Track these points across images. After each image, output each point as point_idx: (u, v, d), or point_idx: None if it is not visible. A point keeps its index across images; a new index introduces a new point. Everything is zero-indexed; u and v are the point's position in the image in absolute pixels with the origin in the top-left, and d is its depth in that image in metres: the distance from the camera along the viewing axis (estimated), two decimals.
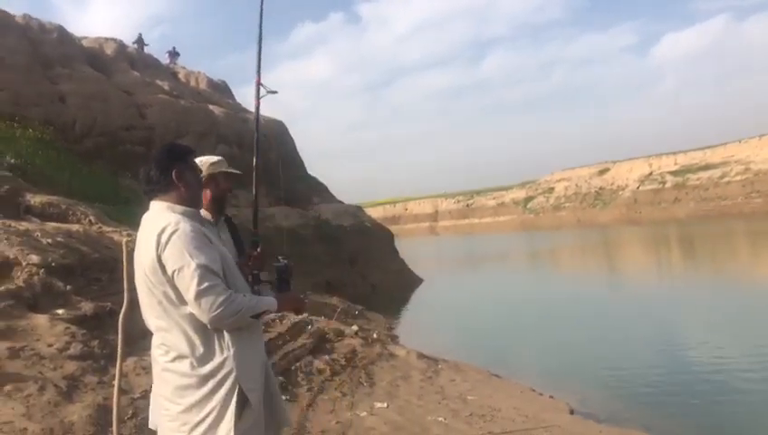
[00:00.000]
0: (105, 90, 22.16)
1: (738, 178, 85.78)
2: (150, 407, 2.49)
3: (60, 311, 5.87)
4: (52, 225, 8.55)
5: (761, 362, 9.61)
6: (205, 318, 2.19)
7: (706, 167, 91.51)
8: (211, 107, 26.13)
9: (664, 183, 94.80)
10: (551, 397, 7.66)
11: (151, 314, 2.33)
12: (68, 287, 6.48)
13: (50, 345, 5.12)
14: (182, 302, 2.23)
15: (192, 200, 2.43)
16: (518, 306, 17.97)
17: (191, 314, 2.23)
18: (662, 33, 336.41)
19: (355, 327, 10.13)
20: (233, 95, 32.08)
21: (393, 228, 35.14)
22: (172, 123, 23.13)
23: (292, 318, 8.45)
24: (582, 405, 7.49)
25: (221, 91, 31.14)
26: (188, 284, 2.18)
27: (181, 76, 29.97)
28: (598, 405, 7.65)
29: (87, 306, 6.16)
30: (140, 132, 22.00)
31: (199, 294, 2.17)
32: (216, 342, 2.26)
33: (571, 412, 7.01)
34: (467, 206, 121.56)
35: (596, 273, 27.32)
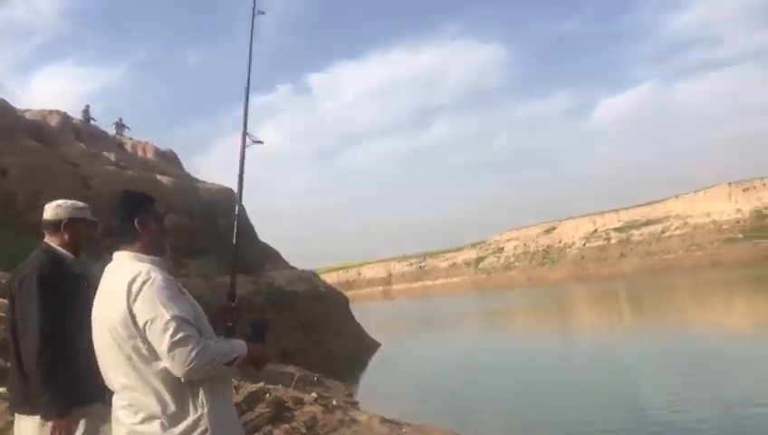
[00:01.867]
0: (49, 162, 21.71)
1: (678, 232, 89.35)
2: None
3: (1, 389, 5.52)
4: None
5: (719, 408, 9.77)
6: (179, 371, 2.08)
7: (648, 223, 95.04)
8: (159, 177, 25.84)
9: (609, 239, 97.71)
10: None
11: (117, 372, 2.19)
12: (8, 364, 6.13)
13: None
14: (154, 357, 2.11)
15: (157, 248, 2.36)
16: (476, 367, 17.86)
17: (164, 370, 2.11)
18: (599, 97, 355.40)
19: (314, 394, 9.85)
20: (181, 165, 31.88)
21: (347, 294, 34.82)
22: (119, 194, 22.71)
23: (249, 388, 8.17)
24: None
25: (169, 160, 30.92)
26: (161, 336, 2.07)
27: (128, 147, 29.69)
28: None
29: None
30: (86, 204, 21.52)
31: (173, 346, 2.06)
32: (190, 399, 2.14)
33: None
34: (420, 268, 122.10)
35: (550, 331, 27.54)
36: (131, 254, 2.30)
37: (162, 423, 2.11)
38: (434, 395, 13.64)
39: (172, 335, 2.07)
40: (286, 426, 7.24)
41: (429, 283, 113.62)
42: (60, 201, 3.30)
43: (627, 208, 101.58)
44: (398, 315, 52.05)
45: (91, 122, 28.74)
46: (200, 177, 30.56)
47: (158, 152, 30.45)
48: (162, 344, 2.07)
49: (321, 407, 8.56)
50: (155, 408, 2.11)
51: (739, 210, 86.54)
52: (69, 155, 23.41)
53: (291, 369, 15.59)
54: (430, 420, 9.77)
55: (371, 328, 27.95)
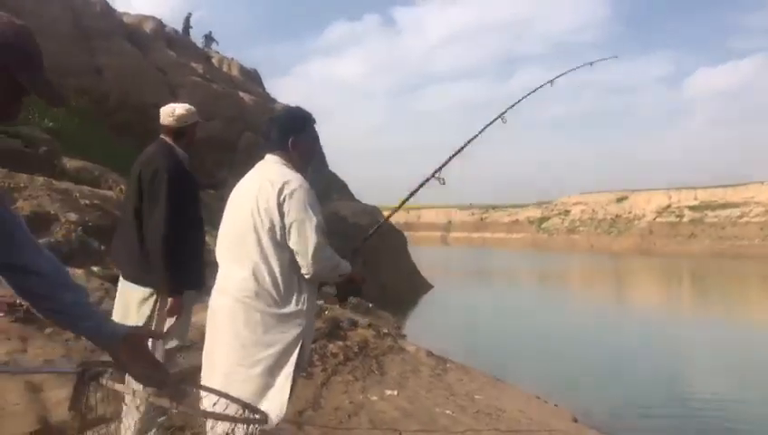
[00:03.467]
0: (140, 66, 22.54)
1: (757, 219, 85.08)
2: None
3: (95, 268, 6.11)
4: (87, 188, 8.82)
5: (751, 390, 9.69)
6: (310, 268, 2.50)
7: (725, 205, 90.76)
8: (241, 94, 26.47)
9: (681, 217, 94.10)
10: (555, 405, 7.79)
11: (245, 245, 2.54)
12: (102, 247, 6.73)
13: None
14: (282, 247, 2.51)
15: (301, 168, 2.72)
16: (526, 321, 18.04)
17: (288, 259, 2.51)
18: (695, 67, 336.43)
19: (367, 320, 10.29)
20: (263, 84, 32.45)
21: (405, 234, 35.23)
22: (201, 106, 23.35)
23: None
24: (585, 416, 7.60)
25: (251, 79, 31.51)
26: (307, 236, 2.48)
27: (215, 61, 30.37)
28: (600, 417, 7.77)
29: None
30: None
31: (316, 247, 2.49)
32: (296, 292, 2.53)
33: (575, 421, 7.14)
34: (481, 220, 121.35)
35: (606, 298, 27.28)
36: (282, 160, 2.69)
37: (270, 301, 2.49)
38: (479, 341, 13.95)
39: (316, 238, 2.50)
40: (340, 343, 7.68)
41: (489, 235, 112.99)
42: (186, 105, 3.61)
43: (705, 188, 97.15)
44: (453, 262, 52.36)
45: (190, 31, 29.46)
46: (281, 98, 31.12)
47: (242, 70, 31.07)
48: (307, 243, 2.49)
49: (373, 332, 9.00)
50: (270, 287, 2.50)
51: None
52: (159, 62, 24.19)
53: None
54: (473, 362, 10.11)
55: (426, 270, 28.37)
